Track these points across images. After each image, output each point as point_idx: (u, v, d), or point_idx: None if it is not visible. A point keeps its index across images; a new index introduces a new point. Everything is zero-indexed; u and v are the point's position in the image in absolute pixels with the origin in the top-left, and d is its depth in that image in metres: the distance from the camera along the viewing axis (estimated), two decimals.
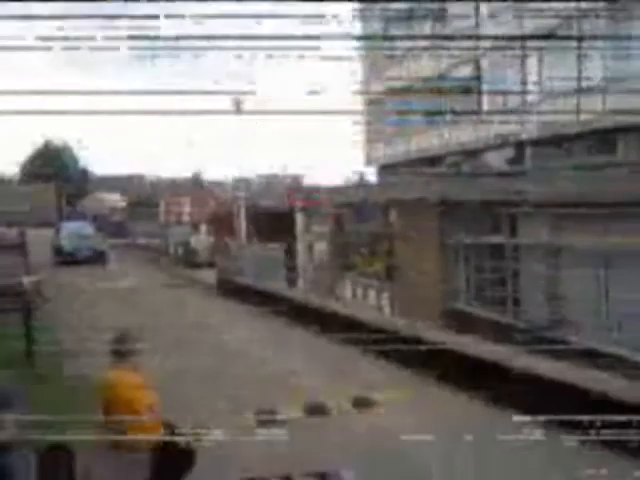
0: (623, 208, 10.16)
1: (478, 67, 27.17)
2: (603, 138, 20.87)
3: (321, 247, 22.65)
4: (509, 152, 25.35)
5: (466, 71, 27.80)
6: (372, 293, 19.26)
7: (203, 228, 35.64)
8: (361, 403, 7.37)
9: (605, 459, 5.57)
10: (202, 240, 26.75)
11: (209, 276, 19.29)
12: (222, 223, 30.65)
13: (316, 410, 7.15)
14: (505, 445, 5.79)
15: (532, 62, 23.97)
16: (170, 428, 4.46)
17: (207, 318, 13.70)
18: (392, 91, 33.68)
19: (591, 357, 9.75)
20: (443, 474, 5.41)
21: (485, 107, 27.02)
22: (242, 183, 29.53)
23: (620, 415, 5.33)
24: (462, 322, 13.89)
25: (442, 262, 15.48)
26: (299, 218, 24.80)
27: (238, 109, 20.47)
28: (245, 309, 14.31)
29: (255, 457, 5.79)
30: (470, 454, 5.78)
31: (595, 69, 20.83)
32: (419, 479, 5.42)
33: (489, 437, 6.03)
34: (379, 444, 6.15)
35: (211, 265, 21.30)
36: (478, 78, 27.25)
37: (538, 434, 5.89)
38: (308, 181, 31.48)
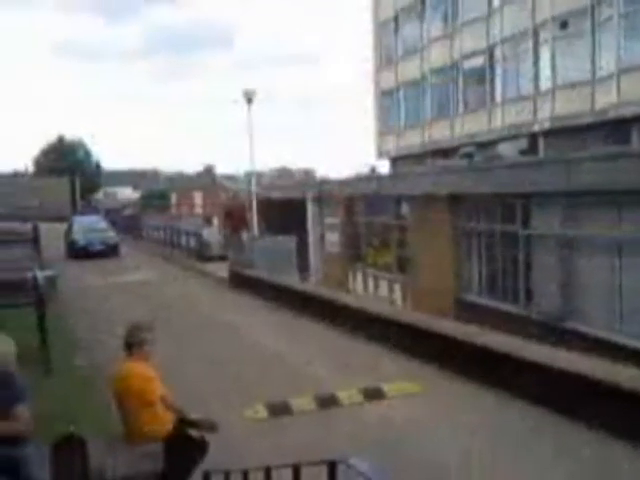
0: (635, 197, 10.10)
1: (491, 56, 26.99)
2: (617, 128, 20.71)
3: (333, 239, 22.65)
4: (522, 143, 25.20)
5: (478, 61, 27.64)
6: (384, 285, 19.26)
7: (215, 221, 35.73)
8: (372, 394, 7.37)
9: None
10: (214, 233, 26.82)
11: (221, 269, 19.32)
12: (234, 216, 30.69)
13: (328, 401, 7.17)
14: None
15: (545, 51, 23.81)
16: (182, 418, 4.48)
17: (219, 312, 13.74)
18: (405, 82, 33.65)
19: (602, 347, 9.73)
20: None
21: (498, 98, 26.86)
22: (254, 176, 29.54)
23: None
24: (474, 313, 13.85)
25: (454, 254, 15.44)
26: (310, 210, 24.81)
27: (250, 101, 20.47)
28: (258, 304, 14.31)
29: (266, 447, 5.82)
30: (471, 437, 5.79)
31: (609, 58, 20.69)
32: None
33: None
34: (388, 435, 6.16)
35: (223, 258, 21.33)
36: (491, 68, 27.08)
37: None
38: (320, 173, 31.37)
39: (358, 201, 21.23)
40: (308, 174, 33.88)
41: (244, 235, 21.11)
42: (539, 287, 12.64)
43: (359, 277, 20.85)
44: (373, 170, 28.65)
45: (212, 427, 4.47)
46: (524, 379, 6.79)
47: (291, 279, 16.25)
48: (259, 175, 31.41)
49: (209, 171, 61.62)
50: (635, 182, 9.94)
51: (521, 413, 6.48)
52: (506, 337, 8.24)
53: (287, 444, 5.82)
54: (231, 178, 51.23)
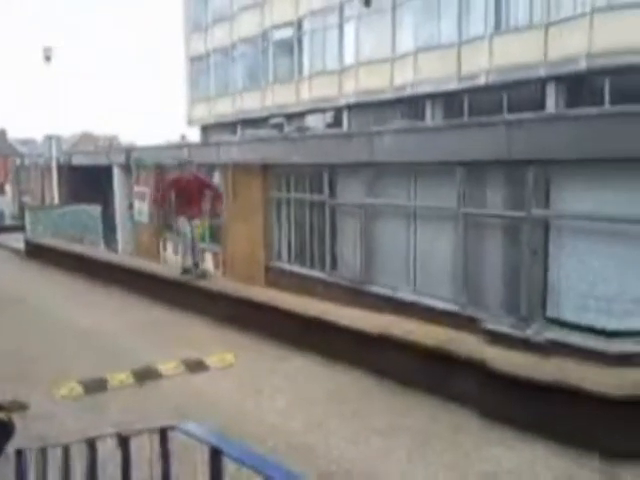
0: (425, 167, 11.02)
1: (300, 29, 27.48)
2: (414, 104, 22.26)
3: (142, 207, 21.94)
4: (328, 116, 26.15)
5: (288, 33, 28.00)
6: None
7: (8, 189, 32.81)
8: (192, 366, 7.36)
9: None
10: (8, 202, 24.67)
11: (18, 240, 17.90)
12: (31, 183, 28.41)
13: (146, 375, 7.04)
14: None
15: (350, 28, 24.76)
16: None
17: (15, 285, 12.78)
18: (215, 49, 33.14)
19: (399, 305, 10.60)
20: None
21: (306, 70, 27.51)
22: (53, 141, 27.55)
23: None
24: (285, 280, 14.31)
25: (266, 222, 15.75)
26: (117, 177, 23.78)
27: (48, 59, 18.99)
28: (58, 274, 13.50)
29: (84, 425, 5.60)
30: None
31: (407, 36, 22.06)
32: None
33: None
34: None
35: (20, 229, 19.75)
36: (299, 40, 27.59)
37: None
38: (125, 140, 30.05)
39: (169, 169, 20.72)
40: (113, 140, 32.25)
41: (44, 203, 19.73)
42: (344, 254, 13.36)
43: (170, 247, 20.49)
44: (183, 138, 28.06)
45: (21, 407, 4.21)
46: (331, 341, 7.21)
47: (96, 248, 15.53)
48: (60, 140, 29.33)
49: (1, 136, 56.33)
50: (427, 154, 10.83)
51: (326, 372, 6.89)
52: (313, 301, 8.65)
53: (108, 420, 5.65)
54: (28, 143, 47.25)
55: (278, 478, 2.23)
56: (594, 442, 4.77)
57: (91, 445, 3.58)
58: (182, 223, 9.98)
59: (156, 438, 3.14)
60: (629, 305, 8.07)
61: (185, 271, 10.05)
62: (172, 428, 3.04)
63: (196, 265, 10.16)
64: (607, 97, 16.18)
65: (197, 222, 10.03)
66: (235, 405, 6.15)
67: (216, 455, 2.60)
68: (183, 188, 9.88)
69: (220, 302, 9.12)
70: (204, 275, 10.25)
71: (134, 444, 3.37)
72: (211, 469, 2.61)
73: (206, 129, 34.74)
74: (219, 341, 8.21)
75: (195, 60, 35.19)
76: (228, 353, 7.70)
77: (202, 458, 2.67)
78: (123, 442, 3.35)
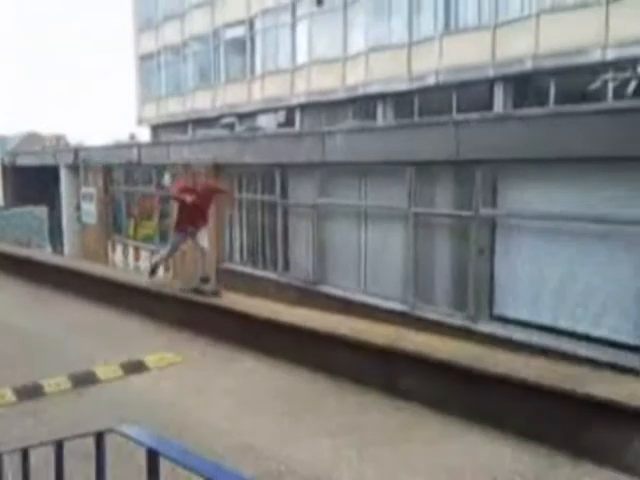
0: (376, 167, 11.08)
1: (252, 27, 27.32)
2: (365, 104, 22.40)
3: (90, 209, 21.48)
4: (280, 115, 26.08)
5: (239, 31, 27.81)
6: (145, 256, 18.84)
7: None
8: (133, 368, 7.22)
9: None
10: None
11: None
12: None
13: (85, 379, 6.88)
14: None
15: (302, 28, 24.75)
16: None
17: None
18: (165, 47, 32.67)
19: (350, 305, 10.65)
20: None
21: (258, 70, 27.38)
22: None
23: None
24: (238, 282, 14.20)
25: (218, 224, 15.59)
26: (64, 178, 23.23)
27: None
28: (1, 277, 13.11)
29: (18, 434, 5.43)
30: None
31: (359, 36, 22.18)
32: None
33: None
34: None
35: None
36: (251, 39, 27.44)
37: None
38: (73, 140, 29.41)
39: (118, 170, 20.38)
40: (61, 140, 31.47)
41: None
42: (296, 255, 13.32)
43: (119, 249, 20.13)
44: (132, 137, 27.60)
45: None
46: (281, 341, 7.17)
47: (41, 251, 15.15)
48: (4, 140, 28.52)
49: None
50: (377, 154, 10.88)
51: (276, 372, 6.86)
52: (264, 302, 8.60)
53: (43, 428, 5.48)
54: None
55: (218, 478, 2.21)
56: (543, 433, 4.86)
57: (24, 453, 3.46)
58: (177, 237, 9.01)
59: (92, 442, 3.07)
60: (574, 303, 8.26)
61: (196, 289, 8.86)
62: (109, 431, 2.98)
63: (205, 280, 8.84)
64: (552, 97, 16.56)
65: (204, 231, 8.87)
66: (177, 407, 6.04)
67: (153, 457, 2.56)
68: (195, 197, 8.59)
69: (169, 304, 8.99)
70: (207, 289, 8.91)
71: (69, 449, 3.27)
72: (148, 471, 2.57)
73: (156, 129, 34.27)
74: (167, 344, 8.08)
75: (145, 58, 34.68)
76: (171, 353, 7.58)
77: (140, 461, 2.63)
78: (58, 447, 3.26)
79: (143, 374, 7.09)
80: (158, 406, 6.00)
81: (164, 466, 2.58)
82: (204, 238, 8.79)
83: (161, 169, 18.16)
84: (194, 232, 8.64)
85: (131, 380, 6.91)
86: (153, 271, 9.54)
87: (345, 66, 22.86)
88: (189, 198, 8.50)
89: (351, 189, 11.75)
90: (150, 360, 7.41)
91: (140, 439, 2.73)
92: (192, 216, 8.59)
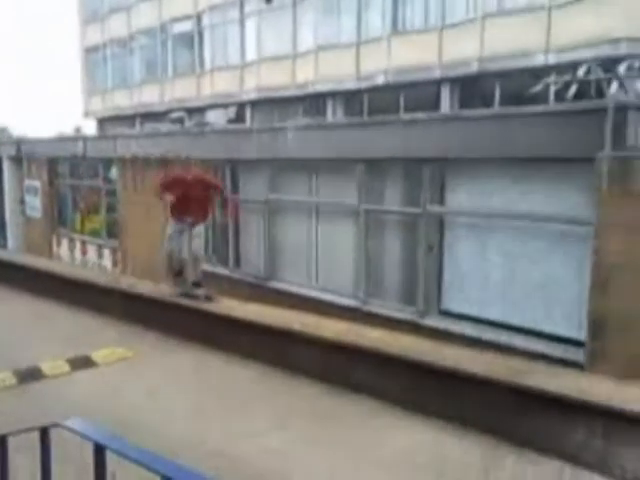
0: (326, 163, 11.22)
1: (200, 22, 27.11)
2: (315, 101, 22.54)
3: (34, 203, 20.97)
4: (230, 111, 25.99)
5: (187, 26, 27.54)
6: (92, 250, 18.54)
7: None
8: (80, 363, 7.15)
9: None
10: None
11: None
12: None
13: (30, 375, 6.78)
14: None
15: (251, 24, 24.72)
16: None
17: None
18: (112, 40, 32.06)
19: (302, 301, 10.77)
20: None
21: (207, 65, 27.18)
22: None
23: None
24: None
25: (167, 218, 15.45)
26: (7, 171, 22.59)
27: None
28: None
29: None
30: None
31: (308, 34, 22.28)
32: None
33: None
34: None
35: None
36: (200, 34, 27.22)
37: None
38: (16, 132, 28.56)
39: (63, 162, 19.95)
40: (3, 132, 30.52)
41: None
42: (247, 251, 13.34)
43: (65, 243, 19.72)
44: (78, 130, 27.00)
45: None
46: (236, 337, 7.24)
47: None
48: None
49: None
50: (328, 151, 11.02)
51: (230, 367, 6.92)
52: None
53: None
54: None
55: (165, 472, 2.25)
56: (490, 425, 5.06)
57: None
58: (174, 228, 8.40)
59: (37, 437, 3.05)
60: (517, 299, 8.57)
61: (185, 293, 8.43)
62: (54, 426, 2.96)
63: (197, 284, 8.37)
64: (497, 99, 17.03)
65: (200, 229, 8.41)
66: (123, 402, 6.03)
67: (100, 451, 2.57)
68: (186, 190, 8.15)
69: (117, 299, 8.93)
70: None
71: (14, 445, 3.25)
72: (95, 466, 2.59)
73: (103, 122, 33.64)
74: (117, 338, 8.02)
75: (91, 51, 33.99)
76: (121, 348, 7.55)
77: (86, 456, 2.64)
78: (1, 443, 3.22)
79: (90, 369, 7.04)
80: (103, 402, 5.97)
81: (111, 462, 2.60)
82: (200, 238, 8.34)
83: (108, 163, 17.88)
84: (194, 224, 8.19)
85: (78, 376, 6.86)
86: (179, 274, 8.56)
87: (295, 63, 22.95)
88: (170, 197, 8.24)
89: (302, 185, 11.85)
90: (98, 355, 7.37)
91: (86, 433, 2.72)
92: (187, 208, 8.12)
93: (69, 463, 3.59)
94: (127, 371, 7.00)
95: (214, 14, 26.21)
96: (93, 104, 34.21)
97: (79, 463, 2.94)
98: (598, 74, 12.36)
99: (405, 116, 13.31)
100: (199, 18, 26.98)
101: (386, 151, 10.07)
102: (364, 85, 20.58)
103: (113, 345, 7.71)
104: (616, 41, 14.64)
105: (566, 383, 5.00)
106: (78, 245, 19.27)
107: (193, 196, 8.12)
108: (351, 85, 20.89)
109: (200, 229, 8.27)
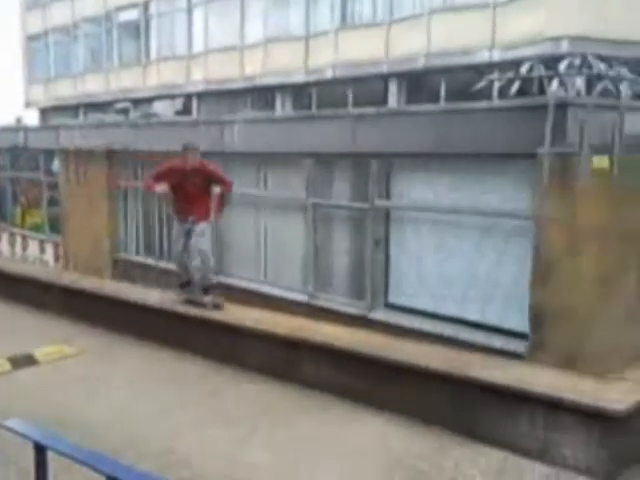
0: (275, 157, 11.21)
1: (146, 11, 26.59)
2: (264, 94, 22.42)
3: None
4: (178, 103, 25.62)
5: (133, 15, 26.98)
6: (34, 245, 18.06)
7: None
8: (21, 361, 6.96)
9: None
10: None
11: None
12: None
13: None
14: None
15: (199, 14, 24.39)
16: None
17: None
18: (54, 28, 31.16)
19: (252, 296, 10.75)
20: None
21: (153, 55, 26.70)
22: None
23: None
24: (132, 271, 13.92)
25: (111, 212, 15.17)
26: None
27: None
28: None
29: None
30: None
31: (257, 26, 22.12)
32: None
33: None
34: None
35: None
36: (146, 23, 26.71)
37: None
38: None
39: (3, 154, 19.35)
40: None
41: None
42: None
43: (4, 237, 19.15)
44: (19, 120, 26.18)
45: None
46: (183, 333, 7.17)
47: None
48: None
49: None
50: (277, 145, 11.00)
51: (181, 364, 6.86)
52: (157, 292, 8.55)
53: None
54: None
55: (110, 472, 2.24)
56: (441, 417, 5.15)
57: None
58: (177, 229, 7.50)
59: None
60: (462, 292, 8.74)
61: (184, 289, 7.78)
62: None
63: (206, 290, 7.54)
64: (443, 94, 17.28)
65: (204, 226, 7.31)
66: (65, 401, 5.90)
67: (40, 451, 2.54)
68: (182, 180, 7.24)
69: (57, 294, 8.74)
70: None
71: None
72: (36, 466, 2.55)
73: (45, 112, 32.71)
74: (61, 335, 7.84)
75: (32, 39, 32.97)
76: (65, 345, 7.39)
77: (27, 455, 2.60)
78: None
79: (32, 368, 6.87)
80: (44, 401, 5.83)
81: (53, 461, 2.54)
82: (205, 237, 7.37)
83: (50, 154, 17.41)
84: (195, 222, 7.24)
85: (18, 375, 6.68)
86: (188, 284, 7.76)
87: (243, 55, 22.75)
88: (159, 188, 7.27)
89: (251, 179, 11.80)
90: (41, 353, 7.18)
91: (26, 433, 2.69)
92: (185, 202, 7.28)
93: (10, 465, 3.50)
94: (71, 369, 6.85)
95: (161, 2, 25.75)
96: (35, 93, 33.22)
97: (21, 465, 2.87)
98: (540, 71, 12.69)
99: (353, 111, 13.39)
100: (146, 7, 26.46)
101: (334, 145, 10.11)
102: (313, 78, 20.57)
103: (57, 342, 7.54)
104: (557, 39, 15.02)
105: (512, 374, 5.13)
106: (19, 240, 18.73)
107: (191, 189, 7.20)
108: (300, 78, 20.85)
109: (203, 227, 7.25)
